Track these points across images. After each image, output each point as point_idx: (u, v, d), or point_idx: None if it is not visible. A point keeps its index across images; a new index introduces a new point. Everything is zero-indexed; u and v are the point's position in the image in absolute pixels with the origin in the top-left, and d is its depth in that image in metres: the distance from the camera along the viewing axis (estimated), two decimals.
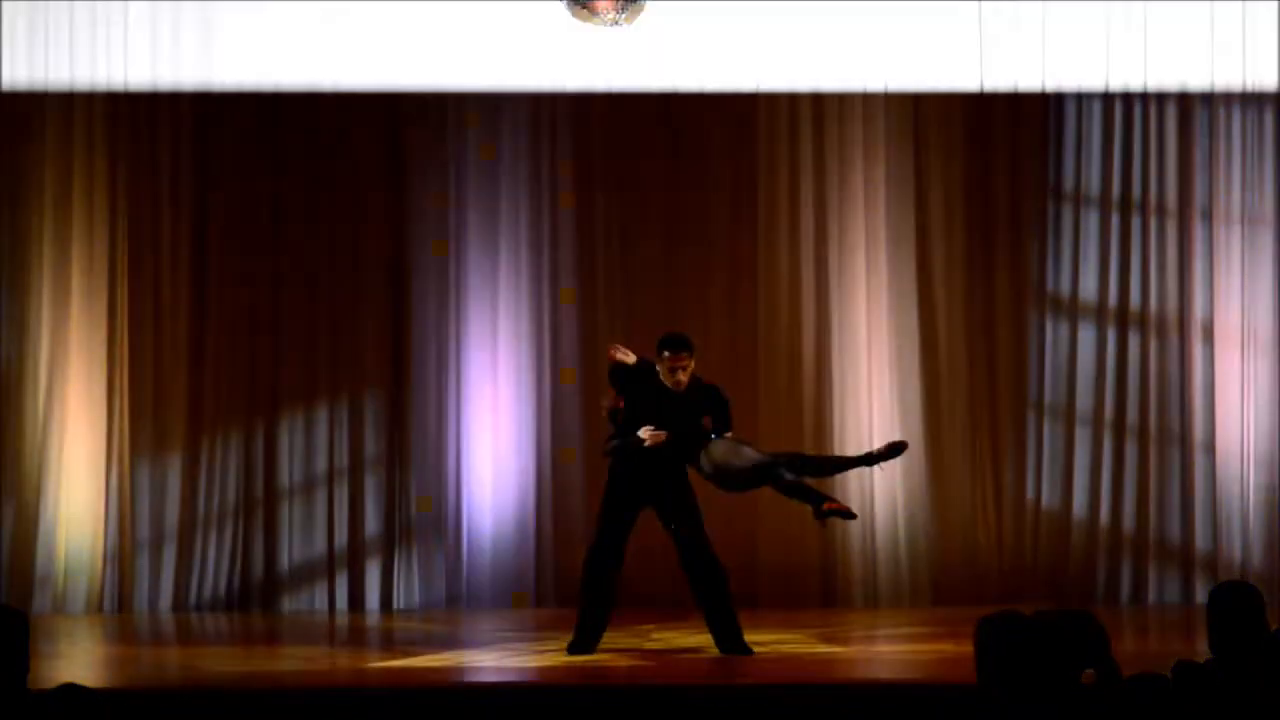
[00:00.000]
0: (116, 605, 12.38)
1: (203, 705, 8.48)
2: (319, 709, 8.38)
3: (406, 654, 10.11)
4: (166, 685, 9.15)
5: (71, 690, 5.24)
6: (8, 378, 12.47)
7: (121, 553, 12.40)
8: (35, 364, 12.43)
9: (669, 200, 12.81)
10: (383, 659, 9.93)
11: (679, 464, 9.85)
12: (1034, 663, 5.59)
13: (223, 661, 9.97)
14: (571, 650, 9.79)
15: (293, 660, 10.27)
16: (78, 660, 10.22)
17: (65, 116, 12.46)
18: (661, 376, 9.89)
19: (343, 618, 12.22)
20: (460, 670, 9.82)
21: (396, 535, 12.61)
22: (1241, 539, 12.33)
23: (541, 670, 9.58)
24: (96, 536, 12.35)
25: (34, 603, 12.17)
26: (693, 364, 9.90)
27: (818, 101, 12.62)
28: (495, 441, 12.56)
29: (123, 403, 12.45)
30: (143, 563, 12.46)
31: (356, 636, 11.39)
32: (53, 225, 12.44)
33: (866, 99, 12.57)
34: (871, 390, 12.51)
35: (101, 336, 12.47)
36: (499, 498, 12.54)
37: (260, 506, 12.62)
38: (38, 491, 12.34)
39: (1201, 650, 6.07)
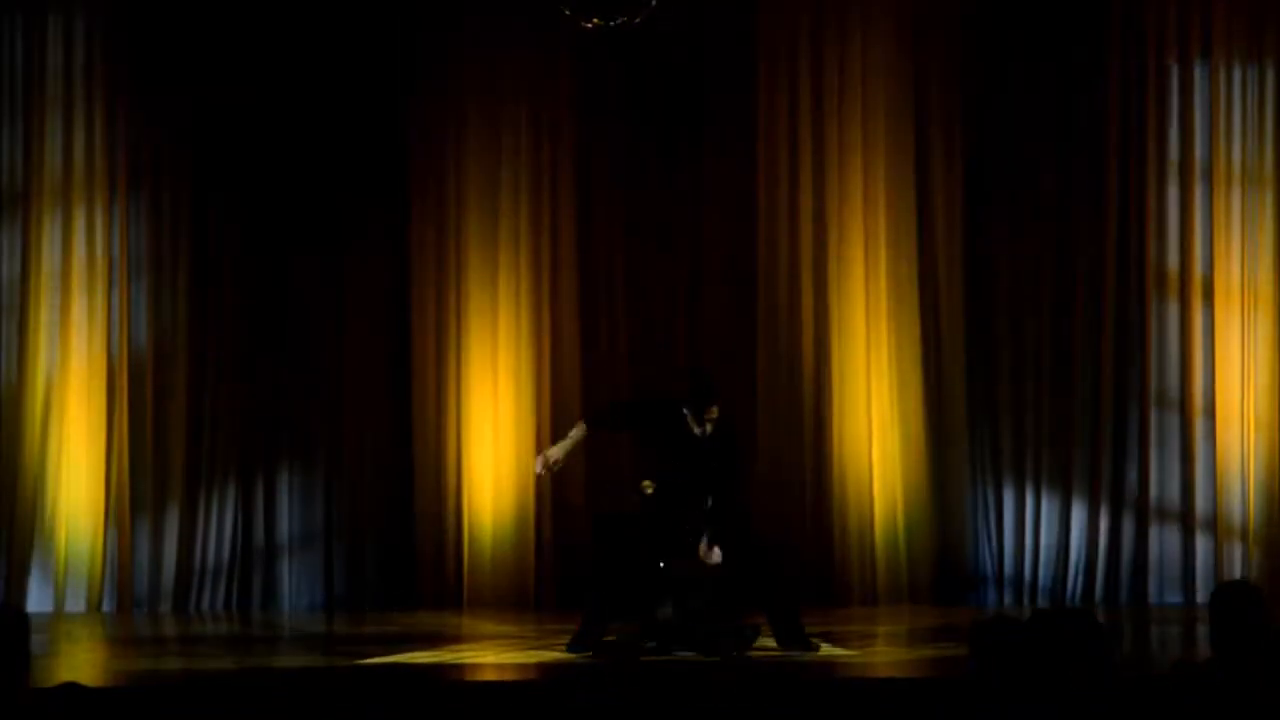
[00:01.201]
0: (116, 605, 12.39)
1: (202, 705, 8.47)
2: (318, 708, 8.38)
3: (406, 653, 10.11)
4: (166, 685, 9.15)
5: (71, 689, 5.24)
6: (8, 379, 12.46)
7: (121, 553, 12.40)
8: (34, 372, 12.43)
9: (667, 203, 12.84)
10: (382, 658, 9.92)
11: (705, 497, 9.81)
12: (1028, 664, 5.61)
13: (221, 661, 9.97)
14: (572, 648, 9.78)
15: (291, 659, 10.27)
16: (78, 660, 10.22)
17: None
18: (689, 421, 9.80)
19: (341, 618, 12.22)
20: (460, 670, 9.82)
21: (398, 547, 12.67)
22: (1241, 504, 12.29)
23: (541, 670, 9.58)
24: (97, 538, 12.35)
25: (34, 603, 12.18)
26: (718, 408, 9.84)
27: (818, 97, 12.61)
28: (495, 442, 12.55)
29: (122, 406, 12.46)
30: (142, 562, 12.46)
31: (356, 636, 11.38)
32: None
33: (866, 89, 12.56)
34: (871, 389, 12.50)
35: (101, 337, 12.48)
36: (499, 498, 12.54)
37: (259, 491, 12.66)
38: (38, 493, 12.33)
39: (1201, 651, 6.08)
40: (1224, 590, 6.09)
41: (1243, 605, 5.90)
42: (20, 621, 5.45)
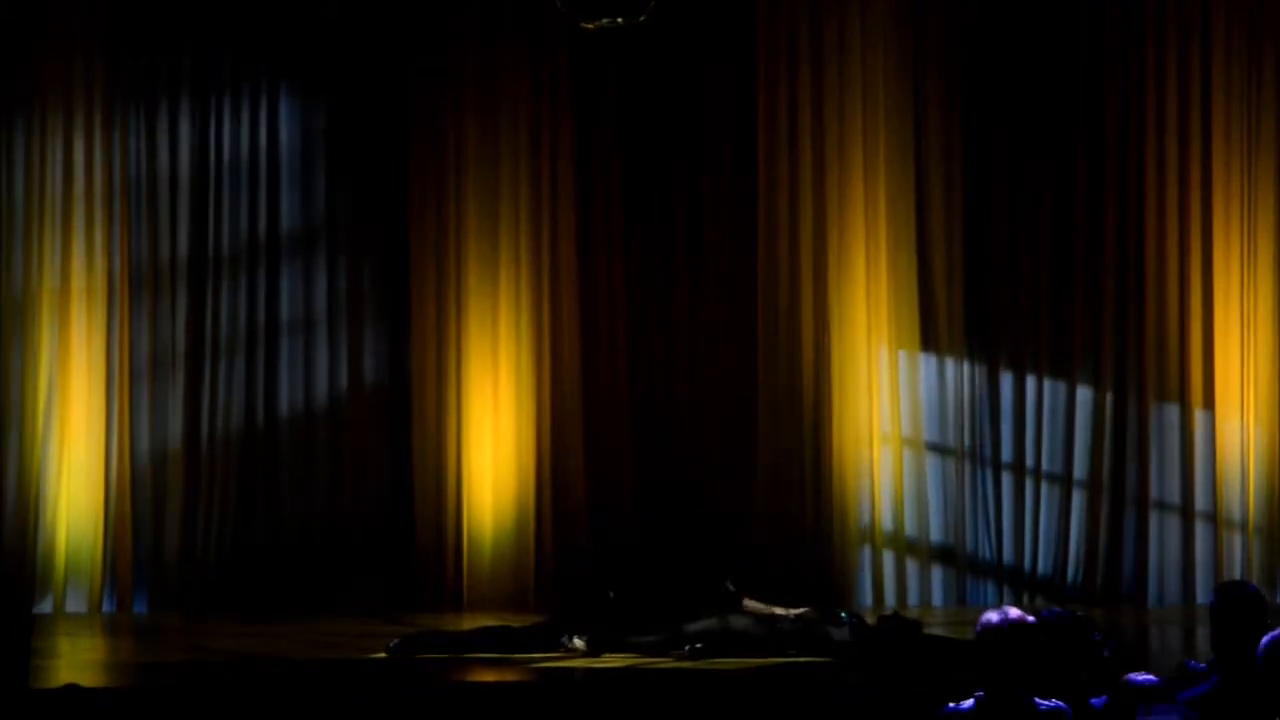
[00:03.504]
0: (116, 605, 12.39)
1: (202, 704, 8.48)
2: (317, 708, 8.39)
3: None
4: (166, 685, 9.15)
5: (71, 690, 5.26)
6: (8, 373, 12.46)
7: (120, 552, 12.40)
8: (36, 361, 12.42)
9: (667, 203, 12.85)
10: (382, 657, 9.93)
11: None
12: (1033, 662, 5.62)
13: (220, 660, 9.98)
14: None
15: (292, 659, 10.27)
16: (78, 660, 10.22)
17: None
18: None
19: (341, 618, 12.21)
20: (460, 670, 9.82)
21: (395, 539, 12.65)
22: (1241, 494, 12.27)
23: (541, 670, 9.58)
24: (97, 535, 12.34)
25: (34, 603, 12.17)
26: None
27: (818, 97, 12.60)
28: (495, 443, 12.55)
29: (123, 401, 12.45)
30: (143, 561, 12.46)
31: (356, 636, 11.38)
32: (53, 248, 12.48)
33: (866, 89, 12.56)
34: (871, 388, 12.50)
35: (100, 336, 12.48)
36: (499, 498, 12.54)
37: (260, 489, 12.66)
38: (37, 489, 12.32)
39: (1202, 650, 6.09)
40: (1225, 591, 6.10)
41: (1244, 607, 5.92)
42: (24, 623, 5.47)
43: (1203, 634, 10.33)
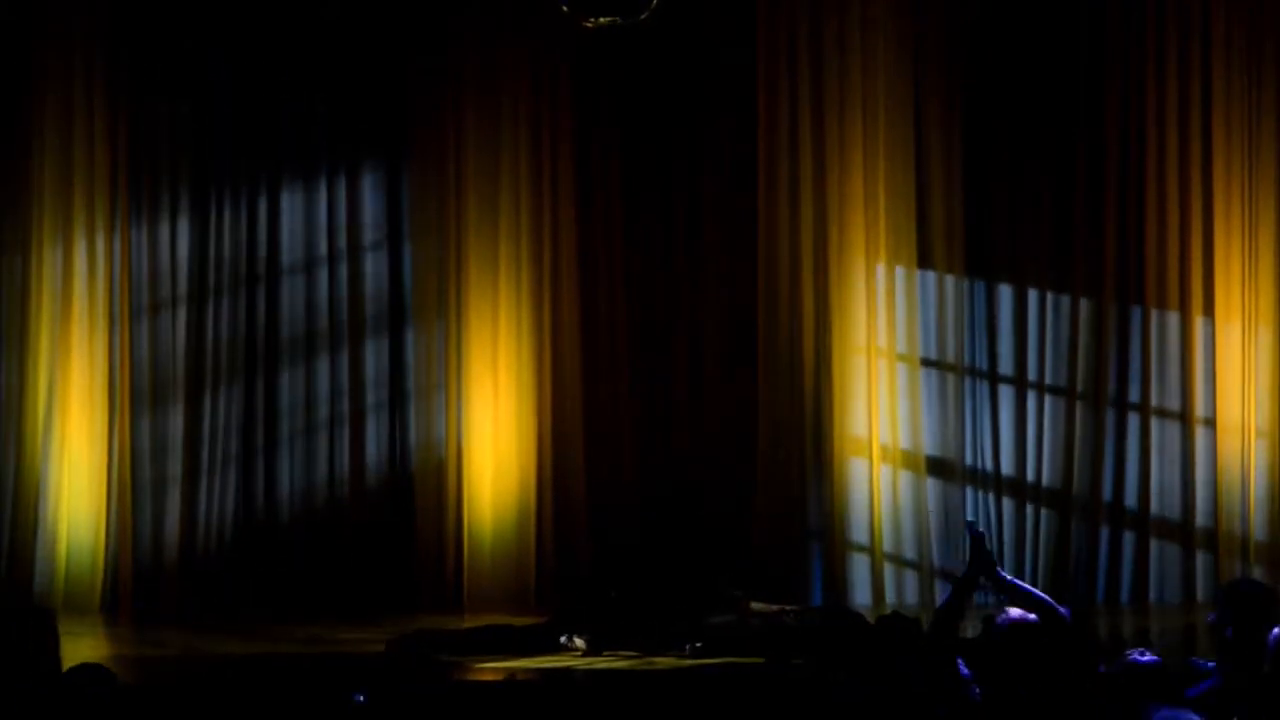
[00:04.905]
0: (115, 605, 12.39)
1: (202, 703, 8.48)
2: (317, 707, 8.38)
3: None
4: (167, 683, 9.16)
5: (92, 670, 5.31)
6: (9, 374, 12.46)
7: (120, 552, 12.40)
8: (36, 363, 12.43)
9: (667, 202, 12.86)
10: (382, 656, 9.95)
11: None
12: (1034, 662, 5.64)
13: (220, 660, 9.98)
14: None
15: (292, 658, 10.27)
16: (77, 660, 10.19)
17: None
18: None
19: (342, 617, 12.22)
20: (460, 670, 9.82)
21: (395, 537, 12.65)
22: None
23: (541, 670, 9.59)
24: (98, 535, 12.35)
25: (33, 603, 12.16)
26: None
27: (818, 97, 12.61)
28: (495, 442, 12.56)
29: (123, 400, 12.46)
30: (143, 561, 12.46)
31: (356, 636, 11.39)
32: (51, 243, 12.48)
33: (866, 88, 12.56)
34: (872, 388, 12.51)
35: (102, 334, 12.48)
36: (499, 498, 12.54)
37: (260, 499, 12.65)
38: (37, 493, 12.32)
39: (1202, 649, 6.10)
40: (1232, 589, 6.11)
41: (1250, 604, 5.92)
42: (47, 619, 5.53)
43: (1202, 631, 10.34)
